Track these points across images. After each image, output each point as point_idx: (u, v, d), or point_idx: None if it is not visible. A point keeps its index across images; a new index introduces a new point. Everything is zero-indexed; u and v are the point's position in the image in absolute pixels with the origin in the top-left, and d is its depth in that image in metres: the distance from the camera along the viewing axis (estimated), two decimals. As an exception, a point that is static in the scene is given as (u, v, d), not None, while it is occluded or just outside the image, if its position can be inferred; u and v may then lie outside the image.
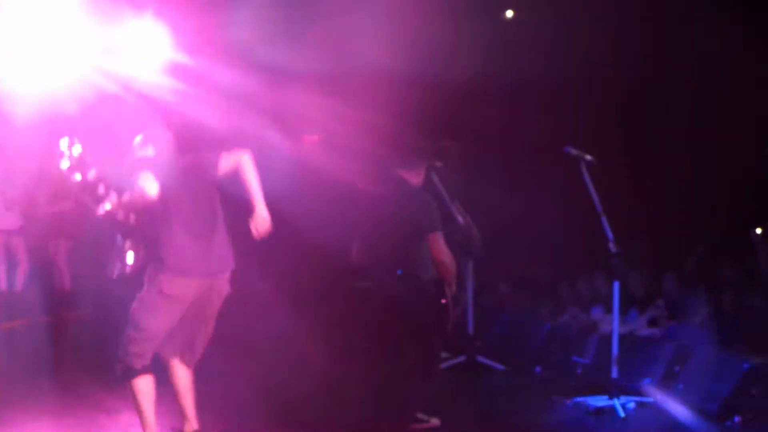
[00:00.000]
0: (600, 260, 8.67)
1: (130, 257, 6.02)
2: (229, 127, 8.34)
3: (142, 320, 5.68)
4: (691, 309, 8.89)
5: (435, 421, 6.97)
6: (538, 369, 9.36)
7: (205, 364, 6.25)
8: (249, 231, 5.91)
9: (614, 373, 7.73)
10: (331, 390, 7.82)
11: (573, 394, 8.09)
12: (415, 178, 6.92)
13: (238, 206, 6.06)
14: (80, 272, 12.12)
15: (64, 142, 5.83)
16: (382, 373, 6.73)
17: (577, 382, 8.60)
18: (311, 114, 10.41)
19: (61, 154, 5.84)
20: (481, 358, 9.49)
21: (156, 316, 5.69)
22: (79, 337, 9.97)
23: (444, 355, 8.88)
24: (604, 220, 7.70)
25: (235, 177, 5.91)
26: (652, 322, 9.32)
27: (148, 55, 8.61)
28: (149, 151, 5.85)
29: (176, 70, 8.78)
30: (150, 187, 5.53)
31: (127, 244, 6.02)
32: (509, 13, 12.22)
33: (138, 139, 5.95)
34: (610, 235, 7.71)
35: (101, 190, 5.76)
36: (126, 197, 5.68)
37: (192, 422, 6.06)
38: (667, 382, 7.92)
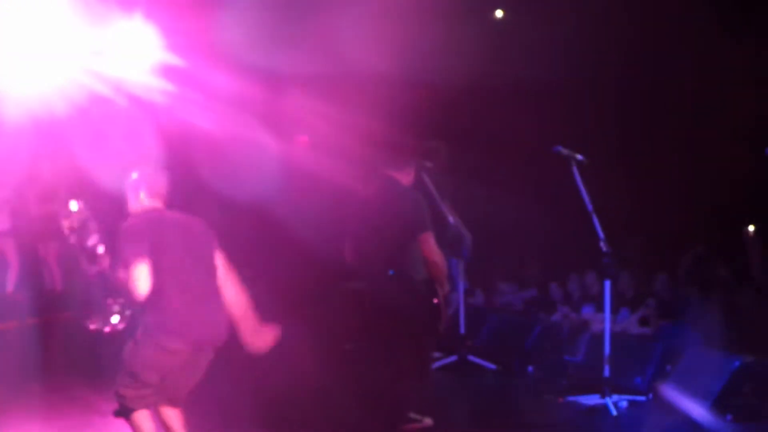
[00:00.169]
0: (591, 259, 8.69)
1: (115, 318, 5.91)
2: (219, 128, 8.34)
3: (135, 369, 5.58)
4: (683, 307, 8.91)
5: (428, 421, 6.98)
6: (530, 368, 9.37)
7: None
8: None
9: (606, 372, 7.75)
10: (323, 391, 7.83)
11: (565, 393, 8.11)
12: (405, 178, 6.91)
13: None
14: (71, 273, 12.10)
15: (73, 205, 5.70)
16: (375, 373, 6.73)
17: (569, 381, 8.61)
18: (302, 115, 10.41)
19: (67, 214, 5.72)
20: (472, 358, 9.50)
21: (149, 369, 5.57)
22: (71, 339, 9.94)
23: (436, 354, 8.90)
24: (596, 219, 7.72)
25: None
26: (643, 321, 9.35)
27: (138, 56, 8.59)
28: (144, 200, 5.73)
29: (167, 72, 8.77)
30: (141, 285, 5.42)
31: (115, 306, 5.90)
32: (499, 13, 12.23)
33: (134, 177, 5.81)
34: (602, 234, 7.73)
35: (100, 251, 5.65)
36: (120, 277, 5.55)
37: None
38: (658, 380, 7.94)
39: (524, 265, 11.99)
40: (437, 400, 7.57)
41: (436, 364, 9.02)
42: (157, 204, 5.72)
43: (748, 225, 9.52)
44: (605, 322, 7.89)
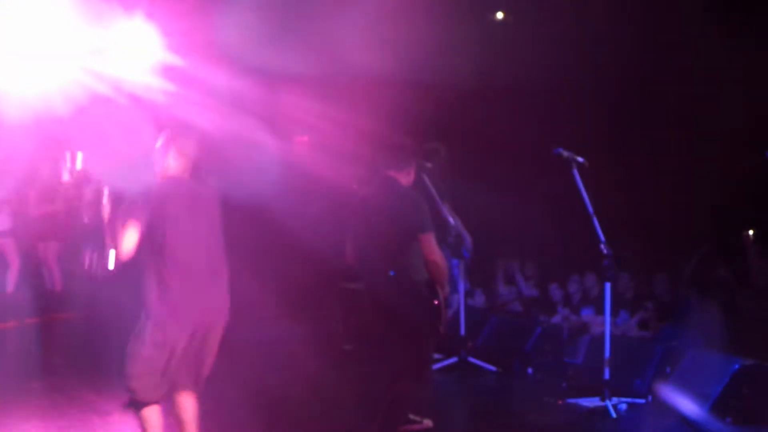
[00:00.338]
0: (591, 261, 8.67)
1: (111, 260, 5.88)
2: (219, 128, 8.33)
3: (140, 356, 5.54)
4: (683, 309, 8.90)
5: (427, 422, 6.97)
6: (530, 370, 9.36)
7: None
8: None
9: (606, 375, 7.74)
10: (323, 391, 7.82)
11: (565, 396, 8.11)
12: (405, 178, 6.90)
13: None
14: (71, 273, 12.12)
15: (68, 155, 5.71)
16: (373, 374, 6.72)
17: (569, 384, 8.60)
18: (302, 116, 10.41)
19: (63, 166, 5.72)
20: (473, 360, 9.48)
21: (153, 354, 5.54)
22: (70, 339, 9.96)
23: (436, 356, 8.88)
24: (596, 221, 7.71)
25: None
26: (643, 324, 9.33)
27: (138, 56, 8.59)
28: (171, 161, 5.68)
29: (167, 72, 8.77)
30: (126, 246, 5.41)
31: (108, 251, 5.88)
32: (499, 15, 12.24)
33: (163, 137, 5.74)
34: (602, 236, 7.72)
35: (105, 199, 5.62)
36: (114, 230, 5.53)
37: None
38: (658, 383, 7.93)
39: (524, 266, 11.97)
40: (437, 402, 7.57)
41: (436, 366, 9.01)
42: (184, 166, 5.66)
43: (747, 227, 9.49)
44: (605, 325, 7.88)
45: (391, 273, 6.55)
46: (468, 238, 9.06)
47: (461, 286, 9.74)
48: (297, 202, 9.78)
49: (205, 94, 8.87)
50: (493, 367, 9.44)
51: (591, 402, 7.74)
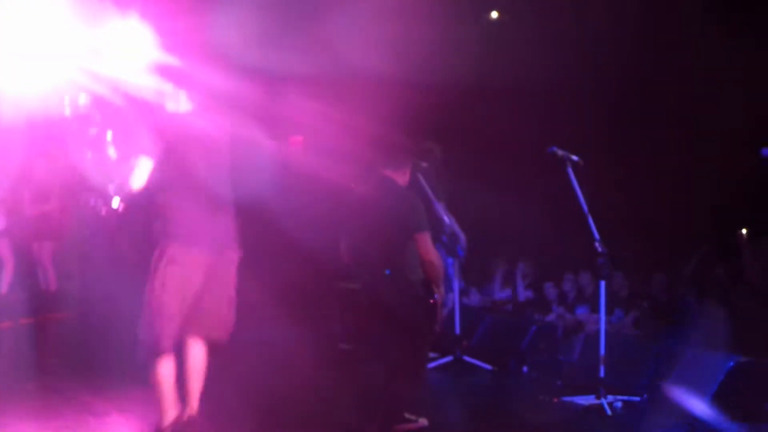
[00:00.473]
0: (586, 260, 8.67)
1: (115, 202, 5.85)
2: (215, 127, 8.31)
3: (155, 298, 5.54)
4: (679, 308, 8.92)
5: (423, 421, 6.96)
6: (525, 369, 9.37)
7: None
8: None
9: (601, 372, 7.75)
10: (318, 391, 7.82)
11: (560, 394, 8.12)
12: (401, 178, 6.92)
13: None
14: (66, 273, 12.10)
15: (81, 98, 5.83)
16: (370, 373, 6.73)
17: (564, 382, 8.61)
18: (297, 115, 10.41)
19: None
20: (468, 358, 9.50)
21: (169, 292, 5.53)
22: (65, 339, 9.94)
23: (431, 355, 8.89)
24: (591, 220, 7.72)
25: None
26: (637, 323, 9.35)
27: (134, 56, 8.57)
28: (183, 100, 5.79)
29: (162, 72, 8.75)
30: (138, 178, 5.50)
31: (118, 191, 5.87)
32: (494, 14, 12.24)
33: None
34: (597, 235, 7.73)
35: (108, 138, 5.75)
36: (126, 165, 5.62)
37: (192, 407, 5.86)
38: (654, 380, 7.94)
39: (519, 265, 11.99)
40: (432, 401, 7.57)
41: (432, 365, 9.01)
42: (194, 105, 5.95)
43: (743, 226, 9.51)
44: (600, 323, 7.90)
45: (387, 272, 6.58)
46: (463, 237, 9.07)
47: (456, 285, 9.76)
48: (293, 201, 9.77)
49: (201, 94, 8.84)
50: (488, 366, 9.45)
51: (586, 400, 7.75)
